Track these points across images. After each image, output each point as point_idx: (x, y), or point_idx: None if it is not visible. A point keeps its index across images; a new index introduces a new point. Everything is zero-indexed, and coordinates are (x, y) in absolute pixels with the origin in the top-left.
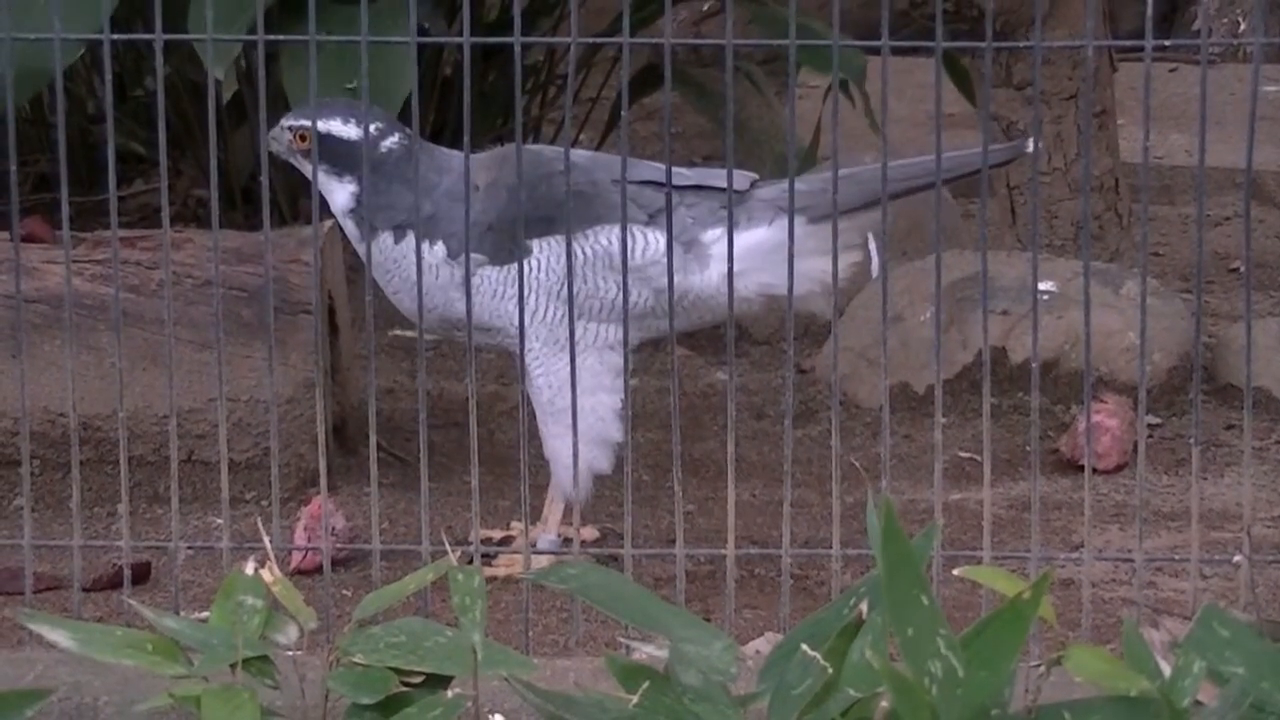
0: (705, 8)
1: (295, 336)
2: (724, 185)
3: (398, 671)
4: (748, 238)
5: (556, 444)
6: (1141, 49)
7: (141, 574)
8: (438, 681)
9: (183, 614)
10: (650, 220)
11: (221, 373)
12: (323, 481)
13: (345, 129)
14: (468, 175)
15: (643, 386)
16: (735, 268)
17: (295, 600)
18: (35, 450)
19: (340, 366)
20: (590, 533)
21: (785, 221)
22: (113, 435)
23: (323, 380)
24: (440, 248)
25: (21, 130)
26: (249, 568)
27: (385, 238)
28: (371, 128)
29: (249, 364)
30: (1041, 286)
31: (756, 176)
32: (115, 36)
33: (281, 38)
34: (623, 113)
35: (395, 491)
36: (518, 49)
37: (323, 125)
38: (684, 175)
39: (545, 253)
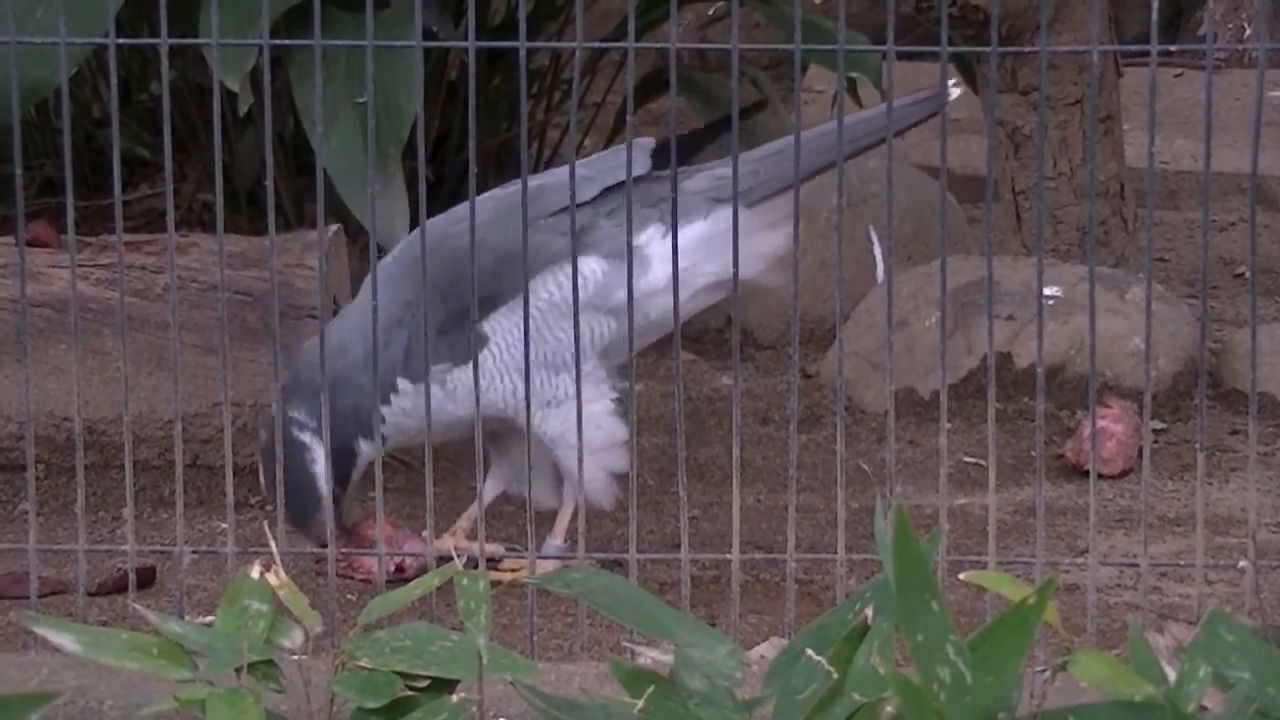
0: (711, 12)
1: (300, 341)
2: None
3: (403, 675)
4: (687, 234)
5: (568, 463)
6: (1147, 54)
7: (146, 578)
8: (443, 686)
9: (188, 618)
10: (579, 246)
11: (226, 377)
12: (326, 484)
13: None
14: (473, 174)
15: (647, 391)
16: (681, 264)
17: (300, 604)
18: (40, 454)
19: None
20: (498, 549)
21: (721, 214)
22: (117, 439)
23: (326, 385)
24: (406, 384)
25: (27, 134)
26: (254, 572)
27: (363, 444)
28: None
29: (254, 368)
30: (1047, 291)
31: (653, 142)
32: (121, 41)
33: (287, 42)
34: (628, 118)
35: (400, 496)
36: (522, 53)
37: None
38: (585, 178)
39: (497, 333)
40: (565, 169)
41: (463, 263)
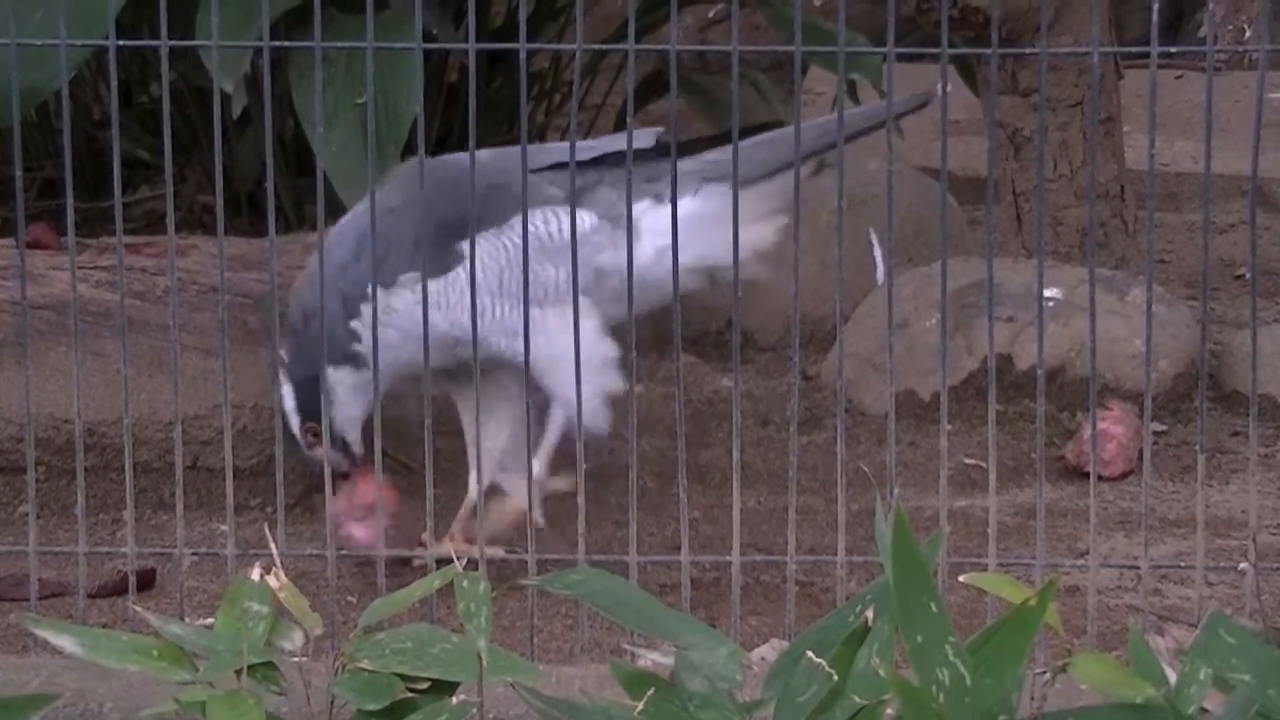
0: (711, 14)
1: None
2: (633, 151)
3: (403, 677)
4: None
5: (551, 382)
6: (1147, 55)
7: (146, 580)
8: (443, 688)
9: (188, 620)
10: (569, 199)
11: (226, 379)
12: (327, 488)
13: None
14: (473, 175)
15: (648, 393)
16: (667, 241)
17: (301, 606)
18: (40, 456)
19: None
20: (497, 551)
21: (711, 190)
22: (118, 441)
23: (327, 387)
24: (380, 294)
25: (27, 136)
26: (254, 574)
27: (332, 371)
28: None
29: (254, 370)
30: (1047, 293)
31: (661, 130)
32: (121, 43)
33: (287, 44)
34: (628, 120)
35: (400, 498)
36: (523, 55)
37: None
38: (589, 147)
39: (480, 252)
40: (581, 141)
41: (454, 181)
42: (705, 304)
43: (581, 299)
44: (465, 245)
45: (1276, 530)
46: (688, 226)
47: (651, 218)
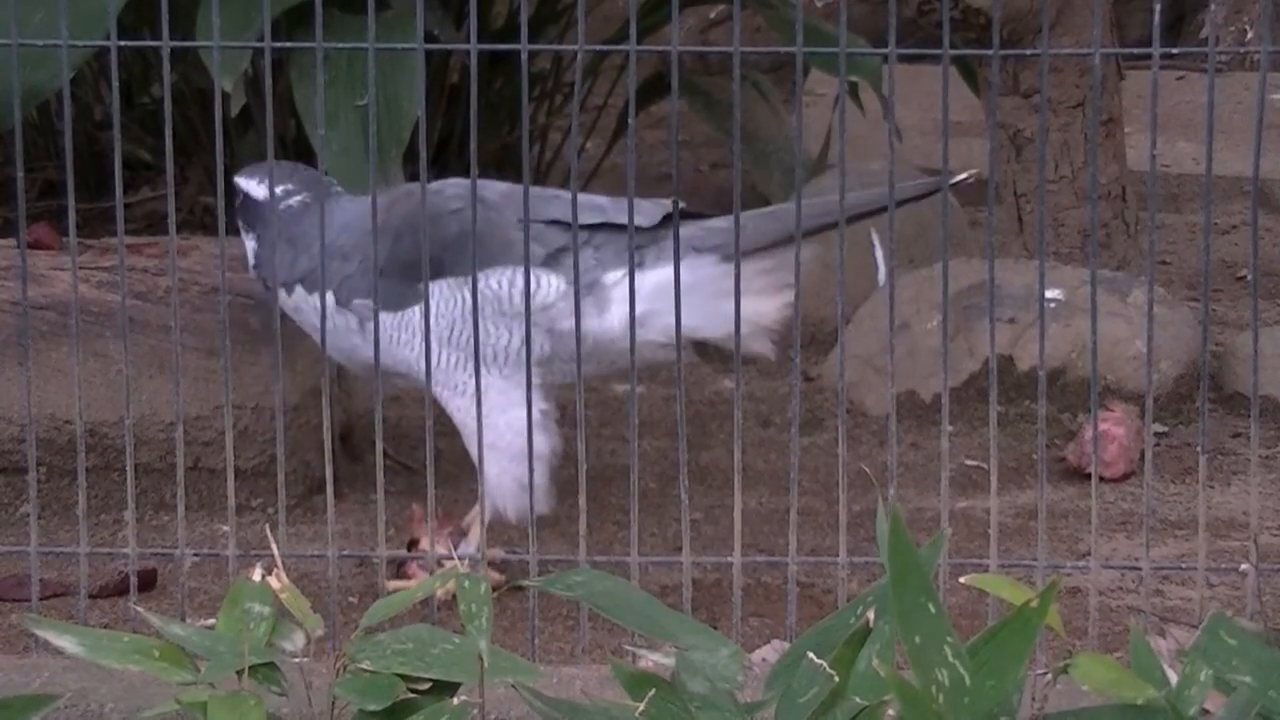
0: (713, 15)
1: (302, 344)
2: (637, 220)
3: (404, 678)
4: (655, 277)
5: (481, 464)
6: (1149, 57)
7: (148, 581)
8: (444, 688)
9: (189, 621)
10: (548, 260)
11: (228, 380)
12: (329, 489)
13: (257, 189)
14: (474, 177)
15: (649, 394)
16: (642, 309)
17: (302, 607)
18: (42, 457)
19: (346, 374)
20: (498, 553)
21: (697, 260)
22: (119, 442)
23: (329, 388)
24: (329, 298)
25: (28, 137)
26: (256, 575)
27: (280, 293)
28: (280, 188)
29: (255, 371)
30: (1048, 294)
31: (671, 204)
32: (123, 43)
33: (289, 44)
34: (630, 121)
35: (401, 499)
36: (524, 56)
37: (242, 182)
38: (600, 208)
39: (436, 298)
40: (593, 197)
41: (434, 217)
42: None
43: (516, 372)
44: (423, 286)
45: (1278, 531)
46: (668, 295)
47: (624, 287)
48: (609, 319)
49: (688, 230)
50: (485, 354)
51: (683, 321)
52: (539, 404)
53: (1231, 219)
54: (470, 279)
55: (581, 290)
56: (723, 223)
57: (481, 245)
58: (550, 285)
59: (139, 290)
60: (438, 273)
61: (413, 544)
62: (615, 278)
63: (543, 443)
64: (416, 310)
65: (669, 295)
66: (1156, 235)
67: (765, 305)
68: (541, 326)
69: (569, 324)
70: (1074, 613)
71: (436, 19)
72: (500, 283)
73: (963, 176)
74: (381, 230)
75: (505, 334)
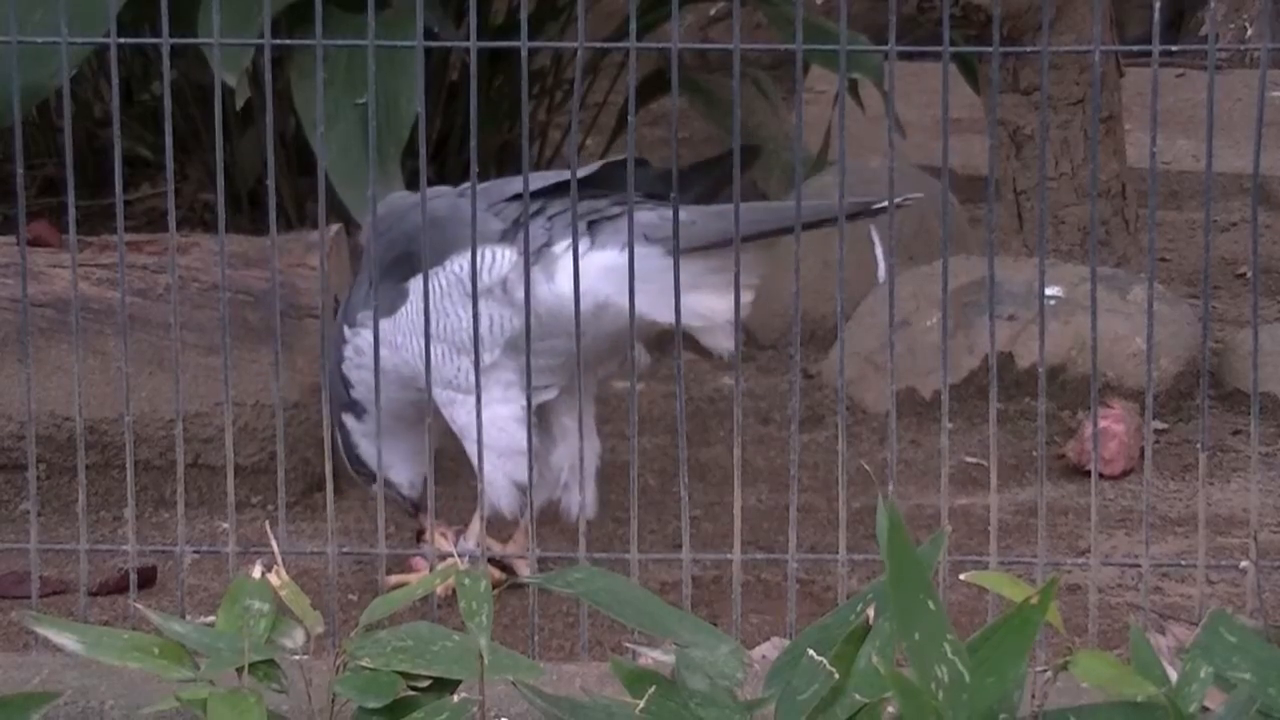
0: (712, 12)
1: (301, 341)
2: (617, 188)
3: (405, 675)
4: (598, 259)
5: (477, 462)
6: (1148, 54)
7: (147, 578)
8: (444, 686)
9: (189, 618)
10: (504, 235)
11: (227, 377)
12: (329, 486)
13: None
14: (474, 175)
15: (649, 391)
16: (583, 285)
17: (302, 604)
18: (41, 454)
19: None
20: (515, 547)
21: (646, 249)
22: (119, 439)
23: (328, 386)
24: (348, 339)
25: (28, 134)
26: (255, 572)
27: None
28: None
29: (255, 368)
30: (1048, 292)
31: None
32: (122, 40)
33: (288, 41)
34: (630, 118)
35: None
36: (524, 53)
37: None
38: (543, 177)
39: (415, 293)
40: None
41: (402, 215)
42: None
43: (509, 375)
44: (407, 284)
45: (1277, 528)
46: (610, 281)
47: (570, 257)
48: (557, 286)
49: (645, 216)
50: (464, 339)
51: (620, 302)
52: (520, 400)
53: (1231, 216)
54: (442, 267)
55: (531, 259)
56: (682, 215)
57: (443, 233)
58: (504, 257)
59: (139, 287)
60: (412, 271)
61: (420, 535)
62: (564, 247)
63: (522, 467)
64: (402, 310)
65: (608, 279)
66: (1156, 232)
67: (716, 302)
68: (500, 300)
69: (522, 295)
70: (1074, 610)
71: (436, 16)
72: (461, 265)
73: (902, 200)
74: (369, 244)
75: (483, 316)
